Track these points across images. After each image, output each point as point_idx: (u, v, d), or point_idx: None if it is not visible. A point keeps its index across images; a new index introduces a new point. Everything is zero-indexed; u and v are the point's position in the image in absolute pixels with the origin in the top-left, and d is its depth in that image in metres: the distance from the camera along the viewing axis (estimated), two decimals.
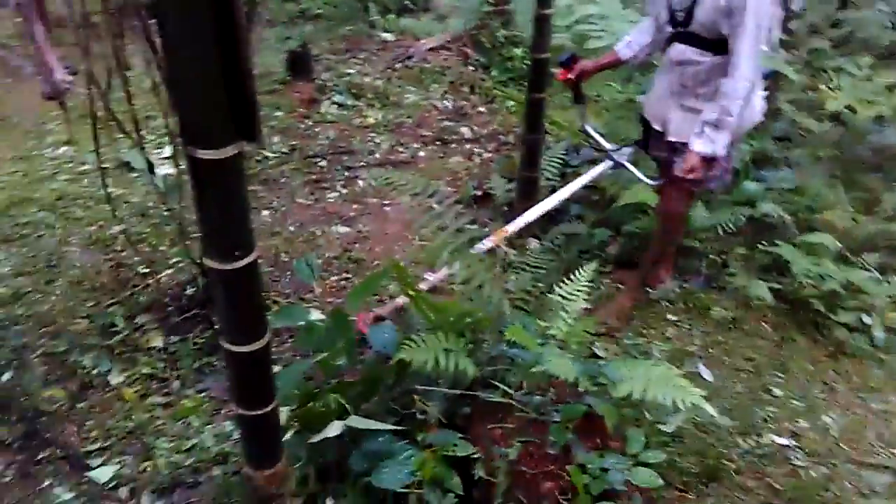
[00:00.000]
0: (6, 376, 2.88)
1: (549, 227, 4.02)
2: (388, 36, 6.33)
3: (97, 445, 2.67)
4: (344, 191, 4.38)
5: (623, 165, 3.33)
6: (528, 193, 4.01)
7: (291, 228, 3.97)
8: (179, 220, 2.98)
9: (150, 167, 2.99)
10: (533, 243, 3.95)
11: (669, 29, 2.95)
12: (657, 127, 3.16)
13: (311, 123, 5.03)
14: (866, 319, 3.38)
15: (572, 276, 2.68)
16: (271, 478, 1.50)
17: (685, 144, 2.91)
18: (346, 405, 2.30)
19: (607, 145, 3.41)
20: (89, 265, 3.58)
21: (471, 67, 5.82)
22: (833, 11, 6.95)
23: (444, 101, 5.47)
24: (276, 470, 1.50)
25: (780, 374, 3.21)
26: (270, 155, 4.60)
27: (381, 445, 2.23)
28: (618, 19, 4.27)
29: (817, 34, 6.68)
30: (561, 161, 4.33)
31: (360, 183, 4.47)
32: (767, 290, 3.55)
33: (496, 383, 2.31)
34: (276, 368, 2.70)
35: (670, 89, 3.04)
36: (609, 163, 3.38)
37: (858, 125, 4.70)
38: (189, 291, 3.24)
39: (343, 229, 4.01)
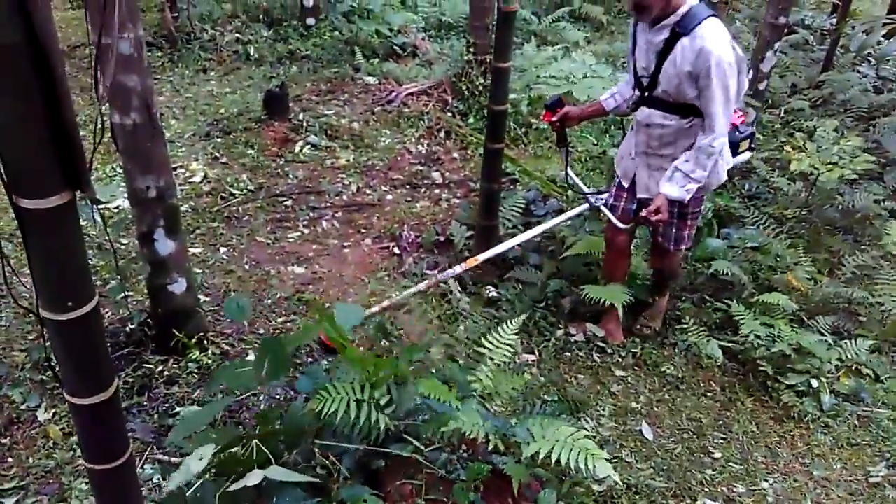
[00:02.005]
0: None
1: (506, 274, 4.02)
2: (370, 80, 6.41)
3: (14, 484, 2.62)
4: (306, 231, 4.38)
5: (599, 208, 3.40)
6: (487, 241, 4.00)
7: (247, 267, 3.96)
8: (115, 255, 2.98)
9: (93, 200, 2.99)
10: (490, 291, 3.94)
11: (637, 92, 3.06)
12: (625, 182, 3.26)
13: (282, 162, 5.06)
14: (815, 384, 3.33)
15: (501, 329, 2.65)
16: None
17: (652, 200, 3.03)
18: (270, 454, 2.27)
19: (585, 189, 3.55)
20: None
21: (449, 114, 5.86)
22: (816, 73, 7.04)
23: (419, 146, 5.50)
24: None
25: (722, 436, 3.15)
26: (236, 192, 4.62)
27: (292, 499, 2.18)
28: (583, 71, 4.32)
29: (799, 94, 6.76)
30: (523, 210, 4.34)
31: (324, 223, 4.47)
32: (719, 348, 3.52)
33: (408, 437, 2.26)
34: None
35: (637, 149, 3.14)
36: (586, 205, 3.49)
37: (828, 186, 4.70)
38: (129, 328, 3.21)
39: (299, 270, 4.00)
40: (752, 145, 3.30)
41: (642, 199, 3.12)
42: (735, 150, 3.15)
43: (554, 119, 3.27)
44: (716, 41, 2.65)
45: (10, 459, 2.73)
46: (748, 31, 8.03)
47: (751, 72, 4.71)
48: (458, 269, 3.40)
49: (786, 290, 3.83)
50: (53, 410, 2.92)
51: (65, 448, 2.77)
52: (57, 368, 1.28)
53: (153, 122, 2.67)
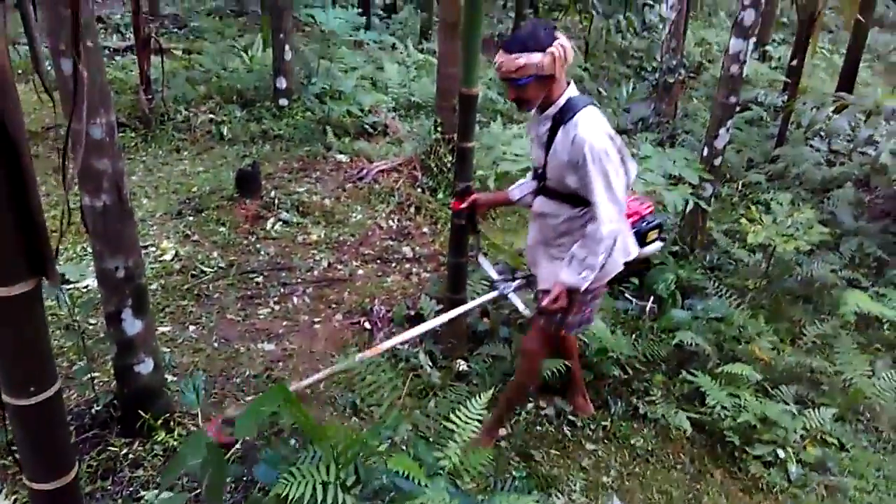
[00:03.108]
0: None
1: (476, 348, 4.04)
2: (342, 157, 6.55)
3: None
4: (276, 307, 4.40)
5: (507, 297, 3.33)
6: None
7: (216, 345, 3.94)
8: (82, 336, 2.96)
9: (61, 280, 3.00)
10: (460, 365, 3.95)
11: (535, 182, 3.05)
12: (533, 271, 3.22)
13: (253, 239, 5.11)
14: (781, 454, 3.36)
15: (469, 404, 2.67)
16: None
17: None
18: None
19: (495, 276, 3.46)
20: None
21: (419, 189, 5.99)
22: (770, 148, 7.35)
23: (390, 221, 5.59)
24: None
25: None
26: (207, 270, 4.64)
27: None
28: None
29: (755, 168, 7.03)
30: (491, 283, 4.39)
31: (295, 300, 4.49)
32: (687, 420, 3.55)
33: None
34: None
35: (536, 239, 3.10)
36: (495, 293, 3.39)
37: (786, 258, 4.86)
38: (94, 410, 3.17)
39: (269, 347, 3.99)
40: (663, 236, 3.25)
41: (543, 290, 3.04)
42: (643, 241, 3.13)
43: (463, 206, 3.24)
44: (589, 129, 2.65)
45: None
46: (704, 109, 8.39)
47: (705, 148, 4.91)
48: (362, 355, 3.21)
49: (750, 360, 3.91)
50: (14, 497, 2.85)
51: None
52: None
53: (123, 205, 2.71)
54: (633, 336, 4.04)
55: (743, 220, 4.50)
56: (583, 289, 2.83)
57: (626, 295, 4.50)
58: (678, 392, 3.80)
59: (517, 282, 3.39)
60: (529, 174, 3.24)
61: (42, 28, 6.58)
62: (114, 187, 2.68)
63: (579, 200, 2.80)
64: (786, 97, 7.76)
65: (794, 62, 7.47)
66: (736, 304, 4.35)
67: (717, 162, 4.88)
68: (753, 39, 4.84)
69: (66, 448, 1.28)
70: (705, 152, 4.91)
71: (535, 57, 2.61)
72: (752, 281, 4.83)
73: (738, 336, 4.16)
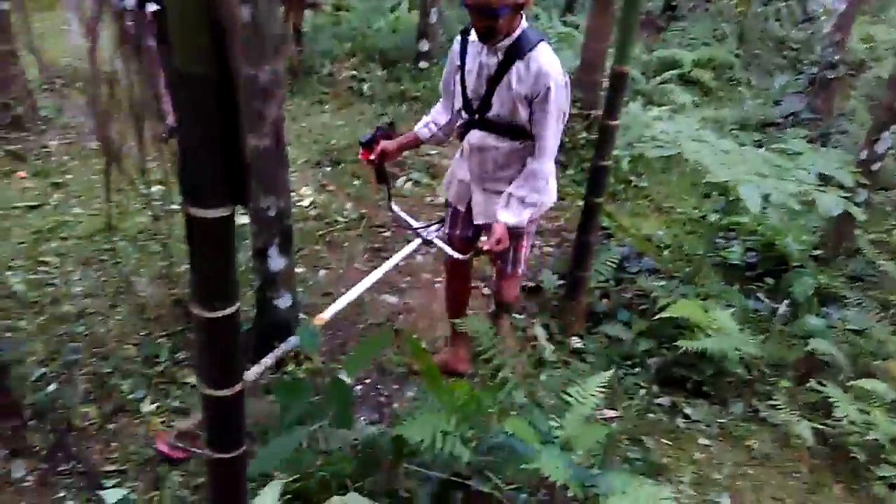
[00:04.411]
0: (52, 387, 3.10)
1: (594, 327, 4.03)
2: None
3: (115, 467, 2.82)
4: (401, 263, 4.52)
5: (433, 242, 3.23)
6: (576, 292, 4.04)
7: (343, 290, 4.10)
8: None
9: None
10: (575, 342, 3.95)
11: (466, 116, 2.93)
12: (460, 207, 3.16)
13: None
14: None
15: (589, 381, 2.68)
16: None
17: (490, 226, 2.87)
18: (347, 480, 2.37)
19: (415, 224, 3.31)
20: (152, 297, 3.83)
21: None
22: None
23: None
24: None
25: None
26: (340, 219, 4.84)
27: None
28: (690, 134, 4.33)
29: None
30: (615, 265, 4.35)
31: (419, 258, 4.61)
32: (809, 429, 3.40)
33: (489, 473, 2.31)
34: None
35: (471, 174, 3.02)
36: (419, 241, 3.29)
37: None
38: None
39: (392, 299, 4.14)
40: None
41: (480, 225, 3.03)
42: None
43: (372, 157, 3.05)
44: (553, 64, 2.65)
45: (114, 444, 2.94)
46: (864, 110, 7.81)
47: (864, 151, 4.61)
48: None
49: (885, 378, 3.68)
50: (157, 404, 3.13)
51: None
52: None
53: (281, 149, 2.88)
54: (762, 337, 3.89)
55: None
56: (524, 225, 2.90)
57: (759, 295, 4.33)
58: (803, 400, 3.64)
59: (437, 226, 3.29)
60: (435, 109, 3.16)
61: None
62: (274, 132, 2.85)
63: (521, 133, 2.78)
64: None
65: None
66: (877, 319, 4.09)
67: (874, 167, 4.56)
68: None
69: (238, 359, 1.40)
70: (863, 155, 4.60)
71: None
72: None
73: (875, 351, 3.92)
